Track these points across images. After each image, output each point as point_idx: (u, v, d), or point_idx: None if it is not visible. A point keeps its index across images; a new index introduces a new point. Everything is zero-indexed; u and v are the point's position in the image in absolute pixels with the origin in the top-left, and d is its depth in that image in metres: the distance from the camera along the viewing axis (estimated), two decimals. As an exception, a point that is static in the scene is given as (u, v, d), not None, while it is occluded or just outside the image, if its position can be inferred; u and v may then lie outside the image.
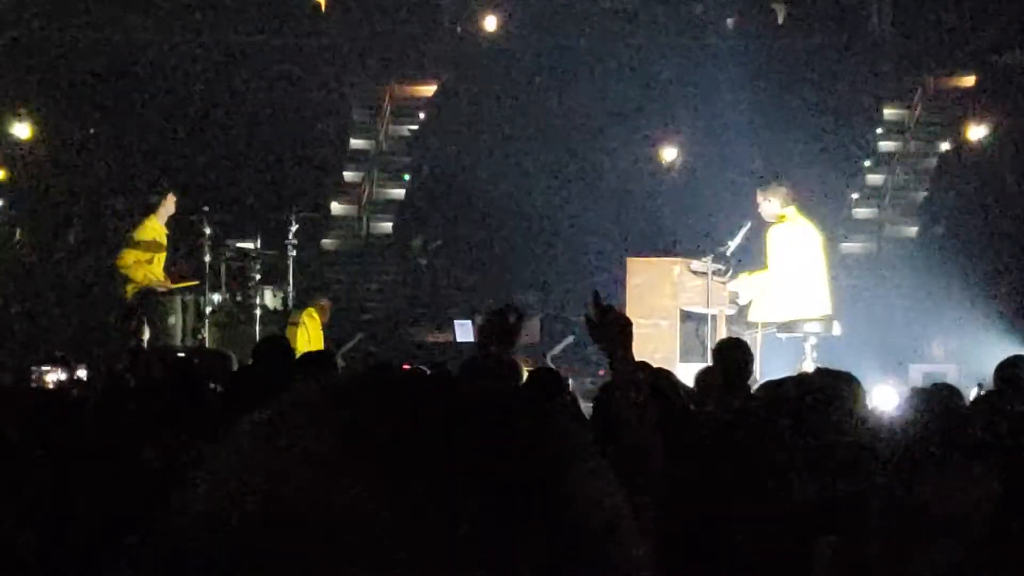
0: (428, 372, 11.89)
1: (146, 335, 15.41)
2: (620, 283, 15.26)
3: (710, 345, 13.44)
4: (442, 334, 20.35)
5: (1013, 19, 25.83)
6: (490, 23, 27.67)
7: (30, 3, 25.84)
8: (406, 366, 13.33)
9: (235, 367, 11.35)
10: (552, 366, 14.58)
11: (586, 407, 9.78)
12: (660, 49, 26.27)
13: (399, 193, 26.72)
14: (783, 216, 14.68)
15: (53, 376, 15.24)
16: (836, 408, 4.28)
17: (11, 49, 25.06)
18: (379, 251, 26.01)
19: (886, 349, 17.97)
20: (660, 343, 14.09)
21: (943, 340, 20.45)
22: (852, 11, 28.15)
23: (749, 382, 9.13)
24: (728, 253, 14.69)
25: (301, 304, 16.61)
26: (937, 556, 3.79)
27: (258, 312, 15.76)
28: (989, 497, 3.84)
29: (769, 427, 4.39)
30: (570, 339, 19.03)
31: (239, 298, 16.11)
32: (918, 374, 17.24)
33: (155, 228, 15.88)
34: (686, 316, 14.83)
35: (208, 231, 15.91)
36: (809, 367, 13.05)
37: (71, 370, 15.10)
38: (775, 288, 14.56)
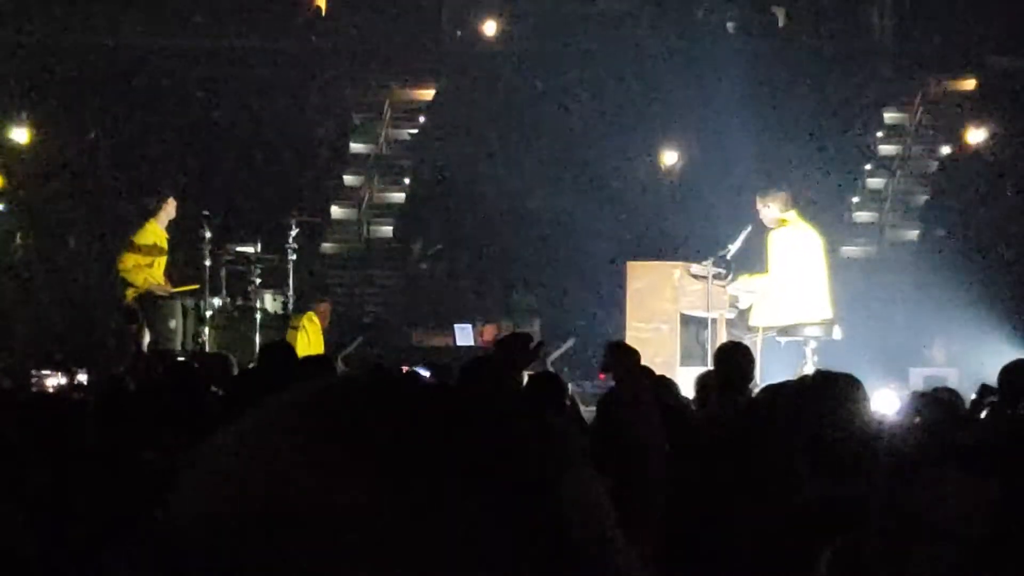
0: (425, 375, 11.90)
1: (146, 339, 15.42)
2: (621, 287, 15.26)
3: (710, 349, 13.44)
4: (442, 338, 20.35)
5: (1014, 23, 25.84)
6: (490, 28, 27.69)
7: (30, 8, 25.84)
8: (404, 369, 13.34)
9: (235, 370, 11.36)
10: (552, 370, 14.57)
11: (586, 411, 9.78)
12: (660, 53, 26.26)
13: (399, 197, 26.73)
14: (784, 220, 14.67)
15: (53, 380, 15.26)
16: (837, 408, 4.27)
17: (11, 54, 25.06)
18: (379, 255, 26.02)
19: (887, 353, 17.96)
20: (660, 347, 14.07)
21: (944, 344, 20.45)
22: (853, 15, 28.16)
23: (750, 386, 9.12)
24: (728, 257, 14.69)
25: (301, 308, 16.61)
26: (936, 558, 3.79)
27: (258, 316, 15.76)
28: (988, 500, 3.84)
29: (770, 428, 4.39)
30: (570, 343, 19.02)
31: (239, 302, 16.10)
32: (919, 378, 17.24)
33: (155, 232, 15.88)
34: (686, 320, 14.82)
35: (208, 235, 15.91)
36: (810, 371, 13.04)
37: (71, 374, 15.12)
38: (776, 292, 14.55)
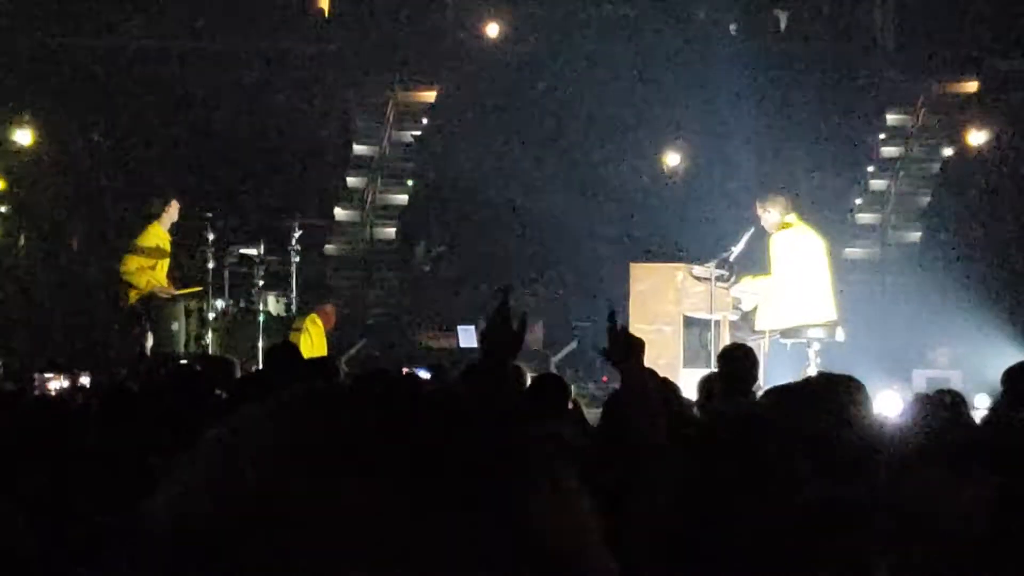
0: (425, 376, 11.90)
1: (149, 342, 15.42)
2: (624, 288, 15.25)
3: (713, 351, 13.44)
4: (445, 339, 20.36)
5: (1015, 25, 25.83)
6: (493, 30, 27.69)
7: (33, 9, 25.85)
8: (405, 370, 13.35)
9: (238, 373, 11.35)
10: (556, 371, 14.58)
11: (590, 413, 9.78)
12: (662, 55, 26.26)
13: (402, 199, 26.73)
14: (787, 223, 14.67)
15: (56, 384, 15.25)
16: (838, 410, 4.27)
17: (13, 55, 25.07)
18: (382, 257, 26.02)
19: (890, 355, 17.96)
20: (664, 349, 14.07)
21: (947, 345, 20.44)
22: (855, 17, 28.16)
23: (753, 388, 9.12)
24: (731, 259, 14.69)
25: (304, 310, 16.61)
26: (936, 559, 3.79)
27: (261, 318, 15.76)
28: (987, 500, 3.84)
29: (772, 429, 4.39)
30: (574, 344, 19.05)
31: (242, 304, 16.11)
32: (922, 379, 17.24)
33: (158, 234, 15.88)
34: (689, 322, 14.82)
35: (212, 237, 15.91)
36: (813, 373, 13.04)
37: (74, 377, 15.12)
38: (779, 294, 14.55)
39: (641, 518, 4.42)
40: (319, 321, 16.36)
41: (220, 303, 15.87)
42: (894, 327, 20.47)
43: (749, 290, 14.75)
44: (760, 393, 8.63)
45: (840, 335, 14.85)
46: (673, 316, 14.63)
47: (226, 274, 16.16)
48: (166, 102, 25.10)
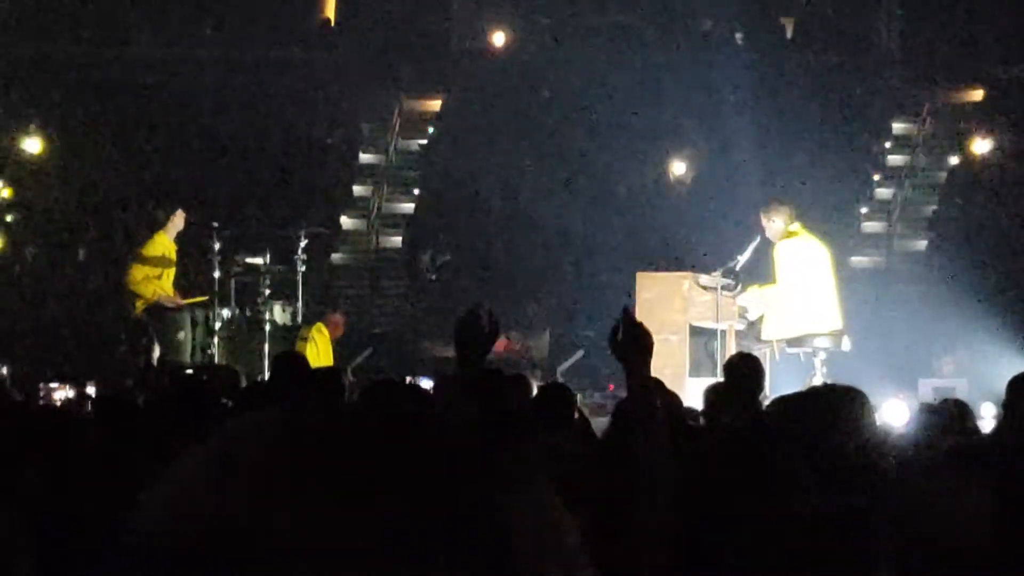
0: (427, 385, 11.89)
1: (156, 352, 15.42)
2: (630, 298, 15.25)
3: (720, 360, 13.43)
4: (451, 348, 20.33)
5: (1020, 33, 25.84)
6: (499, 38, 27.73)
7: (41, 19, 25.90)
8: (408, 380, 13.35)
9: (243, 383, 11.36)
10: (562, 381, 14.58)
11: (596, 422, 9.78)
12: (669, 64, 26.29)
13: (408, 207, 26.75)
14: (791, 232, 14.66)
15: (61, 393, 15.25)
16: (840, 421, 4.28)
17: (22, 65, 25.12)
18: (388, 265, 26.03)
19: (896, 364, 17.95)
20: (670, 358, 14.06)
21: (953, 354, 20.43)
22: (861, 26, 28.18)
23: (760, 398, 9.12)
24: (737, 268, 14.68)
25: (311, 319, 16.62)
26: (938, 568, 3.79)
27: (267, 327, 15.76)
28: (988, 509, 3.84)
29: (776, 440, 4.39)
30: (580, 354, 19.04)
31: (248, 313, 16.11)
32: (928, 389, 17.21)
33: (164, 244, 15.88)
34: (696, 331, 14.81)
35: (217, 246, 15.92)
36: (819, 382, 13.03)
37: (80, 387, 15.13)
38: (784, 303, 14.53)
39: (643, 525, 4.42)
40: (325, 330, 16.36)
41: (226, 312, 15.87)
42: (900, 336, 20.46)
43: (755, 299, 14.74)
44: (766, 402, 8.64)
45: (846, 344, 14.83)
46: (679, 325, 14.62)
47: (232, 283, 16.17)
48: (173, 111, 25.13)
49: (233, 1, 26.85)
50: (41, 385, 15.96)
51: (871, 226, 26.42)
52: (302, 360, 9.52)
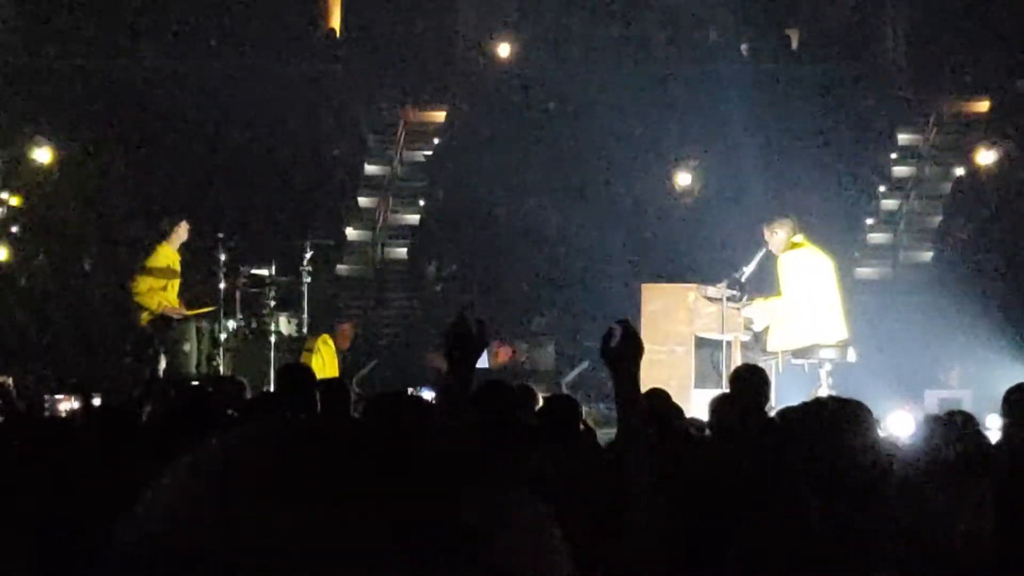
0: (428, 396, 11.89)
1: (162, 364, 15.43)
2: (635, 309, 15.24)
3: (725, 371, 13.42)
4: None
5: (1027, 44, 25.85)
6: (504, 50, 27.76)
7: (50, 31, 25.96)
8: (411, 390, 13.35)
9: (248, 395, 11.35)
10: (567, 392, 14.57)
11: (601, 433, 9.77)
12: (674, 75, 26.30)
13: (414, 219, 26.77)
14: (794, 243, 14.67)
15: (66, 405, 15.25)
16: (842, 435, 4.28)
17: (31, 76, 25.16)
18: (394, 277, 26.05)
19: (902, 375, 17.93)
20: (675, 369, 14.07)
21: (959, 365, 20.40)
22: (866, 37, 28.20)
23: (765, 409, 9.11)
24: (742, 279, 14.68)
25: (316, 330, 16.61)
26: (936, 568, 3.79)
27: (273, 338, 15.76)
28: (990, 518, 3.85)
29: (780, 453, 4.39)
30: (585, 365, 19.03)
31: (254, 324, 16.11)
32: (933, 400, 17.19)
33: (168, 255, 15.89)
34: (701, 342, 14.81)
35: (223, 257, 15.92)
36: (824, 393, 13.02)
37: (86, 398, 15.11)
38: (790, 314, 14.54)
39: (644, 536, 4.42)
40: (331, 341, 16.36)
41: (232, 323, 15.87)
42: (906, 347, 20.43)
43: (760, 310, 14.74)
44: (772, 414, 8.63)
45: (852, 355, 14.82)
46: (685, 337, 14.62)
47: (238, 295, 16.16)
48: (179, 122, 25.16)
49: (240, 13, 26.90)
50: (46, 396, 15.96)
51: (877, 237, 26.41)
52: (308, 371, 9.51)
